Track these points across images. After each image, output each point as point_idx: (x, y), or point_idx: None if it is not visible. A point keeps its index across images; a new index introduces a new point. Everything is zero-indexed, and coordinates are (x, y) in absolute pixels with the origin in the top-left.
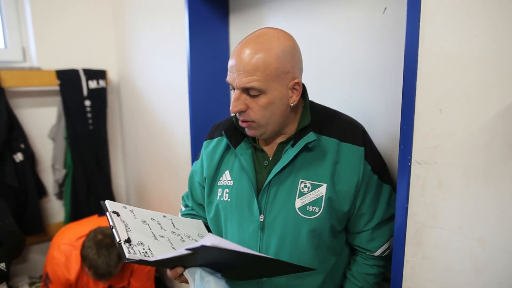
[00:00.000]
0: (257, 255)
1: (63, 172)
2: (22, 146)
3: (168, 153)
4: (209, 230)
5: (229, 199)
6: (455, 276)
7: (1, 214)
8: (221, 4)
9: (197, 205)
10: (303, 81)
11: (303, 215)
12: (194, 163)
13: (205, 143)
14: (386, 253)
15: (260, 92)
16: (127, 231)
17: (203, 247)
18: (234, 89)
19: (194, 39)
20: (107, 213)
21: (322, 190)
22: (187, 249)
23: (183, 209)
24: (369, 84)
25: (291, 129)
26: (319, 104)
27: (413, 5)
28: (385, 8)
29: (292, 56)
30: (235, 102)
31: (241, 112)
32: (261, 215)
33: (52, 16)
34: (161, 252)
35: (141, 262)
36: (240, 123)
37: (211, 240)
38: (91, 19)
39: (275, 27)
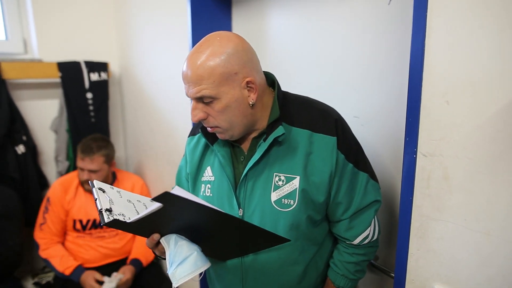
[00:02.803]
0: (222, 212)
1: (66, 164)
2: (24, 138)
3: (169, 145)
4: None
5: (210, 195)
6: (460, 269)
7: (12, 234)
8: None
9: None
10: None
11: (279, 208)
12: (181, 159)
13: (188, 139)
14: (366, 241)
15: (212, 98)
16: (110, 203)
17: (167, 195)
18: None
19: (196, 31)
20: (93, 189)
21: (296, 182)
22: (152, 200)
23: None
24: (375, 76)
25: (263, 123)
26: (293, 94)
27: None
28: (390, 0)
29: (237, 56)
30: (193, 112)
31: (203, 120)
32: (240, 209)
33: (53, 7)
34: None
35: (116, 225)
36: (209, 130)
37: (176, 191)
38: (92, 11)
39: (222, 31)
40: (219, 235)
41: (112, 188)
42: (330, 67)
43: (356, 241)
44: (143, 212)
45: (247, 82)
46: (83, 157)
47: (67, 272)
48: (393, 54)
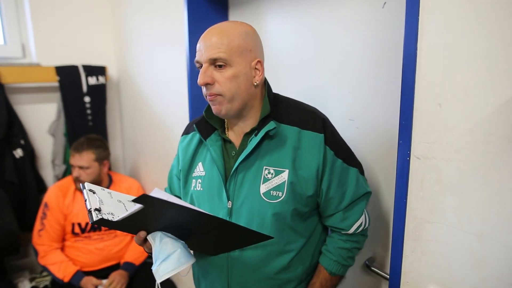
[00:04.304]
0: (201, 212)
1: (62, 167)
2: (22, 142)
3: (166, 148)
4: None
5: (201, 189)
6: (454, 271)
7: (1, 211)
8: (221, 0)
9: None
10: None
11: (267, 200)
12: (174, 159)
13: (181, 138)
14: (359, 230)
15: (226, 63)
16: (99, 203)
17: (145, 197)
18: (201, 67)
19: (193, 35)
20: (84, 190)
21: (285, 175)
22: (133, 200)
23: None
24: (368, 79)
25: (255, 119)
26: (283, 96)
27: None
28: (385, 3)
29: (253, 38)
30: (203, 74)
31: (208, 86)
32: (229, 201)
33: (51, 12)
34: None
35: (104, 223)
36: (208, 98)
37: (155, 193)
38: (90, 15)
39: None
40: (202, 232)
41: (103, 190)
42: (325, 70)
43: (351, 230)
44: (126, 213)
45: (257, 62)
46: (73, 153)
47: (66, 279)
48: (388, 57)
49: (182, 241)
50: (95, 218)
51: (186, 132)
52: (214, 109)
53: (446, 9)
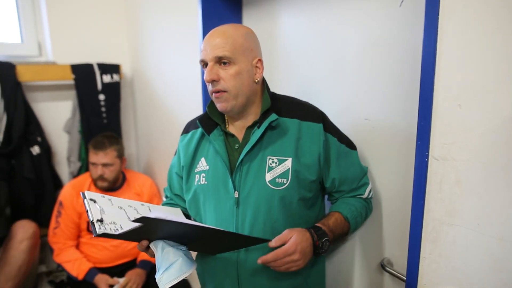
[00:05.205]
0: (198, 225)
1: (78, 164)
2: (39, 139)
3: None
4: (187, 217)
5: (206, 182)
6: (473, 274)
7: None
8: None
9: (175, 196)
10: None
11: (273, 187)
12: (173, 158)
13: (181, 137)
14: (370, 194)
15: (230, 61)
16: (101, 213)
17: (145, 219)
18: (206, 66)
19: (207, 33)
20: (84, 200)
21: (288, 163)
22: (133, 221)
23: (164, 199)
24: (385, 78)
25: (255, 114)
26: (280, 94)
27: None
28: (402, 1)
29: (253, 39)
30: (209, 72)
31: (214, 83)
32: (236, 192)
33: (67, 11)
34: None
35: (106, 235)
36: (213, 96)
37: (154, 213)
38: (105, 14)
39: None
40: (203, 240)
41: (103, 197)
42: (340, 69)
43: (365, 194)
44: (126, 228)
45: (258, 61)
46: (96, 151)
47: (80, 277)
48: (405, 56)
49: (183, 248)
50: (98, 231)
51: (186, 131)
52: (219, 106)
53: (467, 8)
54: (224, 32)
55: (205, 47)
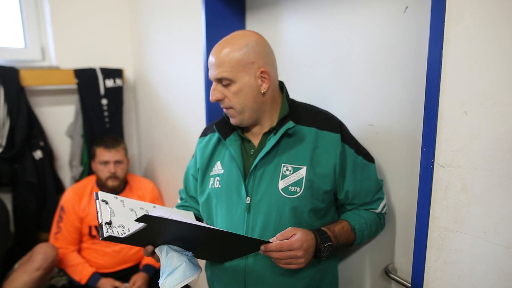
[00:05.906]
0: (200, 225)
1: (80, 169)
2: (41, 143)
3: (183, 150)
4: (200, 221)
5: (219, 186)
6: (479, 283)
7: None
8: (238, 3)
9: (190, 198)
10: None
11: (285, 195)
12: (190, 160)
13: (199, 139)
14: (384, 210)
15: (230, 81)
16: (110, 216)
17: (147, 217)
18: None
19: (211, 38)
20: (96, 201)
21: (303, 172)
22: (136, 220)
23: (179, 201)
24: (390, 84)
25: (270, 121)
26: (299, 101)
27: (437, 4)
28: (407, 7)
29: (254, 50)
30: (212, 92)
31: (220, 101)
32: (248, 197)
33: (70, 16)
34: None
35: (111, 238)
36: (224, 111)
37: (156, 212)
38: (108, 19)
39: (248, 30)
40: (206, 243)
41: (116, 198)
42: (345, 74)
43: (379, 209)
44: (131, 230)
45: (261, 72)
46: (109, 149)
47: (83, 281)
48: (410, 62)
49: (189, 253)
50: (105, 234)
51: (204, 134)
52: (231, 120)
53: (473, 15)
54: (221, 51)
55: (209, 66)
